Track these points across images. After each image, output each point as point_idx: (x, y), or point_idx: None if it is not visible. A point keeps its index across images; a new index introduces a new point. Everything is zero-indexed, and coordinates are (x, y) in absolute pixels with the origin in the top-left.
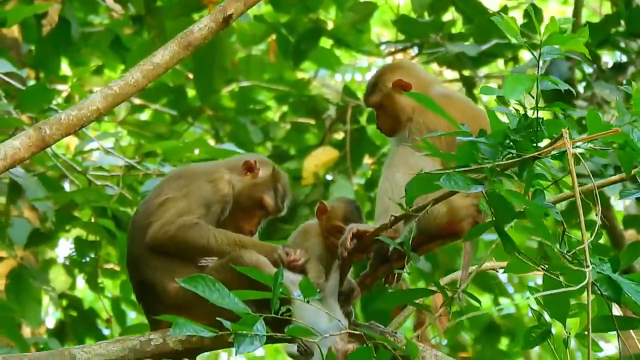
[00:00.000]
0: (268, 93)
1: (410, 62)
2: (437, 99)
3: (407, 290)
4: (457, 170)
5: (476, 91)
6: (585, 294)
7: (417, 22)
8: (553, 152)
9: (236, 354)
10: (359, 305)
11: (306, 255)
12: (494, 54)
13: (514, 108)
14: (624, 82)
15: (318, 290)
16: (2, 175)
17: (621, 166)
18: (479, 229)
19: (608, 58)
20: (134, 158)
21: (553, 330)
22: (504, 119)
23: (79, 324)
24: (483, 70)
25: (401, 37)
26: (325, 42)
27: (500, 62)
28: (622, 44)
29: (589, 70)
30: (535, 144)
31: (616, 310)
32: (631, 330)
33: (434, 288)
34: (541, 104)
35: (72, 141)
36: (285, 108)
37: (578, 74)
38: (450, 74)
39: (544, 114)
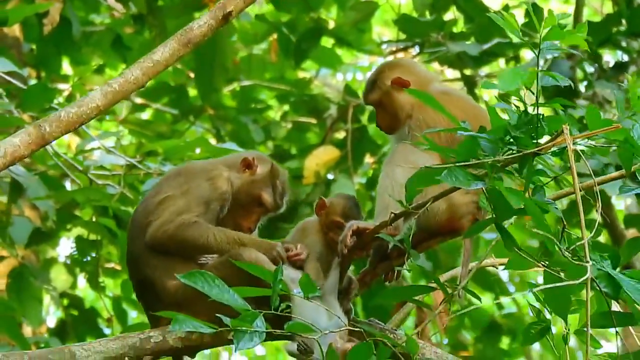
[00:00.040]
0: (269, 92)
1: (409, 59)
2: (436, 96)
3: (407, 286)
4: (457, 165)
5: (477, 90)
6: (585, 290)
7: (419, 21)
8: (553, 149)
9: (235, 350)
10: (360, 303)
11: (306, 250)
12: (495, 53)
13: (514, 105)
14: (625, 81)
15: (318, 287)
16: (3, 174)
17: (621, 164)
18: (478, 226)
19: (609, 57)
20: (135, 157)
21: (553, 329)
22: (504, 115)
23: (80, 323)
24: (484, 70)
25: (402, 36)
26: (327, 42)
27: (501, 62)
28: (624, 43)
29: (590, 69)
30: (535, 140)
31: (616, 308)
32: (631, 329)
33: (434, 285)
34: (542, 101)
35: (73, 140)
36: (286, 107)
37: (579, 74)
38: (451, 73)
39: (545, 112)
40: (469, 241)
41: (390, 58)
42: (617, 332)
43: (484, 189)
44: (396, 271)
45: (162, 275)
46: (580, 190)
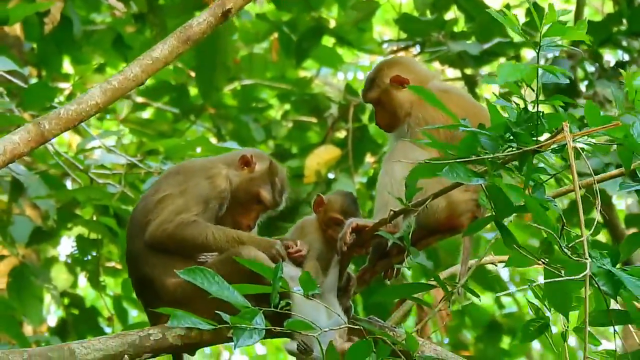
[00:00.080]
0: (270, 91)
1: (407, 57)
2: (435, 94)
3: (407, 284)
4: (457, 161)
5: (478, 90)
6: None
7: (419, 20)
8: (553, 146)
9: (235, 348)
10: (360, 302)
11: (306, 247)
12: (496, 52)
13: (514, 102)
14: None
15: (318, 285)
16: (4, 173)
17: (620, 162)
18: (478, 224)
19: (610, 57)
20: (136, 156)
21: (554, 329)
22: (504, 113)
23: (80, 322)
24: (485, 69)
25: (403, 35)
26: (328, 41)
27: (502, 61)
28: (624, 43)
29: (590, 69)
30: (535, 138)
31: (616, 307)
32: (632, 329)
33: (433, 283)
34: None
35: (74, 139)
36: (287, 106)
37: (580, 73)
38: (452, 72)
39: (545, 111)
40: (469, 239)
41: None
42: (614, 330)
43: (483, 186)
44: (395, 269)
45: (162, 274)
46: (580, 188)
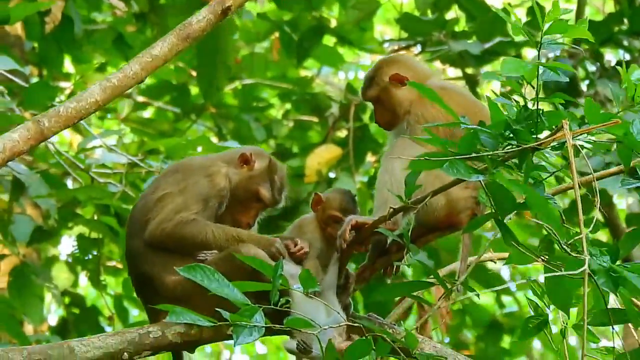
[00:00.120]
0: (271, 91)
1: (406, 55)
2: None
3: (406, 282)
4: (457, 158)
5: (479, 89)
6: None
7: (420, 20)
8: (553, 144)
9: (235, 345)
10: (361, 301)
11: (307, 245)
12: (497, 52)
13: (514, 99)
14: None
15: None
16: (5, 172)
17: (620, 160)
18: (477, 221)
19: (611, 56)
20: (137, 155)
21: (554, 328)
22: (504, 110)
23: (81, 321)
24: (486, 69)
25: (404, 34)
26: (329, 40)
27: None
28: (625, 42)
29: (592, 68)
30: (535, 135)
31: (617, 305)
32: (632, 329)
33: (432, 280)
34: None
35: (75, 138)
36: (288, 106)
37: (581, 72)
38: (453, 72)
39: (546, 109)
40: (468, 236)
41: None
42: (613, 328)
43: (483, 183)
44: (395, 266)
45: (161, 271)
46: (580, 187)
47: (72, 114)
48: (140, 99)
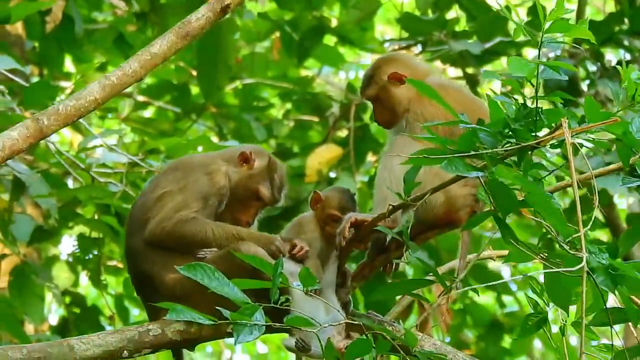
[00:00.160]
0: (272, 90)
1: (404, 54)
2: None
3: (406, 280)
4: (456, 156)
5: (480, 89)
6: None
7: (421, 19)
8: (552, 142)
9: (235, 344)
10: (361, 300)
11: (306, 244)
12: (497, 52)
13: (514, 97)
14: None
15: (318, 281)
16: (6, 172)
17: (620, 159)
18: (476, 219)
19: (612, 56)
20: (138, 155)
21: (555, 328)
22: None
23: (82, 321)
24: (486, 68)
25: (405, 34)
26: (329, 40)
27: (503, 60)
28: (626, 42)
29: (592, 68)
30: (534, 133)
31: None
32: (632, 329)
33: (432, 278)
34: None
35: (76, 138)
36: (288, 105)
37: (582, 72)
38: (453, 71)
39: (546, 108)
40: (467, 234)
41: None
42: (612, 327)
43: (482, 180)
44: (394, 263)
45: (161, 270)
46: (580, 188)
47: (71, 112)
48: (141, 98)
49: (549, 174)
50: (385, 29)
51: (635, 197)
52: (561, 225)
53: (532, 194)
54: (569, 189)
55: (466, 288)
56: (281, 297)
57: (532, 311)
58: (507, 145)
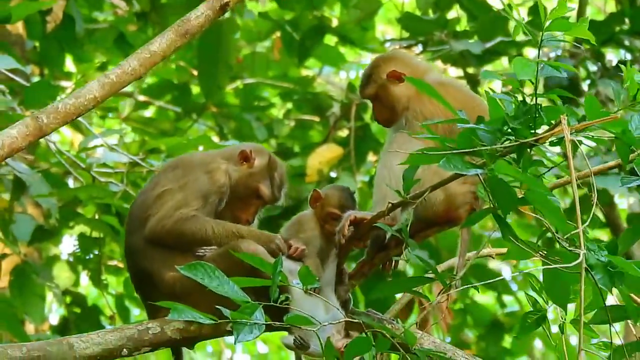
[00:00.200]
0: (272, 90)
1: (403, 52)
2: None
3: (406, 278)
4: (455, 152)
5: (480, 89)
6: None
7: (422, 19)
8: (551, 139)
9: (235, 342)
10: (362, 300)
11: (302, 244)
12: (498, 51)
13: (513, 95)
14: None
15: (317, 279)
16: (6, 172)
17: (619, 157)
18: (476, 216)
19: (612, 56)
20: (138, 155)
21: (555, 328)
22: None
23: (82, 320)
24: (487, 68)
25: (406, 34)
26: (330, 40)
27: (504, 60)
28: (627, 42)
29: (593, 68)
30: (533, 131)
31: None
32: (632, 328)
33: (431, 276)
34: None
35: (76, 138)
36: (289, 105)
37: (582, 72)
38: (454, 71)
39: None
40: (466, 231)
41: None
42: (610, 323)
43: (482, 178)
44: (394, 261)
45: (160, 267)
46: (580, 187)
47: (70, 110)
48: (142, 98)
49: (548, 170)
50: (386, 28)
51: (635, 197)
52: (560, 222)
53: (531, 190)
54: (569, 189)
55: (466, 286)
56: (281, 296)
57: (532, 309)
58: (506, 142)
